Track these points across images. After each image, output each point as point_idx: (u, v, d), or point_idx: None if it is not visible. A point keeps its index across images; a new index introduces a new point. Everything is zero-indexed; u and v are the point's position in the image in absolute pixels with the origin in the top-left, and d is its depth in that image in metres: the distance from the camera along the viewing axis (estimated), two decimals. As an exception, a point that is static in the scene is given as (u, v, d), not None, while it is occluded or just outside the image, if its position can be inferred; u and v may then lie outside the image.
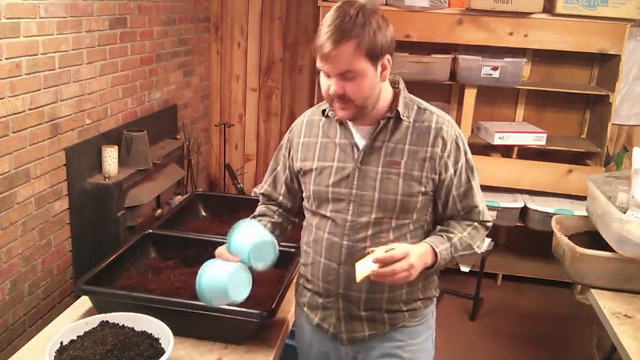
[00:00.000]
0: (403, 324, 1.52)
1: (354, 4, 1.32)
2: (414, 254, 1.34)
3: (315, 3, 3.77)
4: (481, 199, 1.52)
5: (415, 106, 1.47)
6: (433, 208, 1.50)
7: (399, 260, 1.31)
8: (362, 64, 1.32)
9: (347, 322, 1.51)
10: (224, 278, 1.39)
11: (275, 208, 1.66)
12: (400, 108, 1.43)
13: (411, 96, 1.50)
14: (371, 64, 1.33)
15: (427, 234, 1.50)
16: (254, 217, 1.64)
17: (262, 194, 1.68)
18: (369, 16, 1.31)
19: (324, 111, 1.52)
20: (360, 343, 1.53)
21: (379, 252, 1.32)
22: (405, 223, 1.45)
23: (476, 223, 1.51)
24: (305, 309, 1.62)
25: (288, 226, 1.69)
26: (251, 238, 1.43)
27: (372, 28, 1.30)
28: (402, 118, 1.43)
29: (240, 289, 1.43)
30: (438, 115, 1.46)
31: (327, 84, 1.36)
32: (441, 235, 1.46)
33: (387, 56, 1.36)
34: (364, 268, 1.32)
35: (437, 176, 1.43)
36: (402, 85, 1.48)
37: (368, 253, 1.35)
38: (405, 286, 1.48)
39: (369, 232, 1.44)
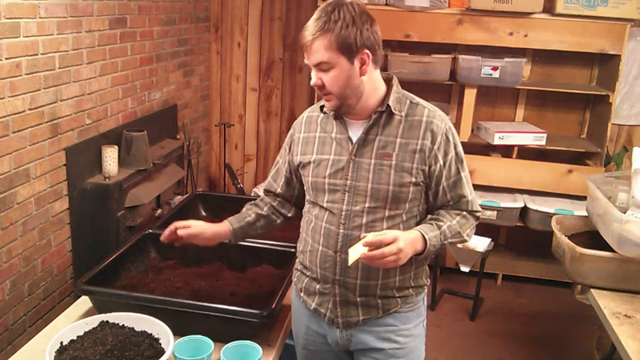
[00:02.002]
0: (396, 309, 1.58)
1: (333, 3, 1.42)
2: (404, 239, 1.40)
3: (315, 3, 3.77)
4: (470, 190, 1.58)
5: (408, 101, 1.54)
6: (425, 200, 1.57)
7: (388, 244, 1.37)
8: (335, 57, 1.41)
9: (343, 308, 1.57)
10: None
11: (269, 200, 1.76)
12: (391, 102, 1.50)
13: (404, 91, 1.56)
14: (345, 58, 1.41)
15: (418, 224, 1.56)
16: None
17: (264, 189, 1.78)
18: (345, 13, 1.40)
19: (321, 107, 1.59)
20: (354, 327, 1.59)
21: (370, 236, 1.39)
22: (398, 213, 1.51)
23: (465, 213, 1.58)
24: (302, 294, 1.67)
25: (277, 219, 1.76)
26: None
27: (345, 23, 1.40)
28: (394, 112, 1.50)
29: None
30: (429, 110, 1.53)
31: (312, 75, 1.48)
32: (431, 224, 1.52)
33: (366, 51, 1.43)
34: (356, 252, 1.39)
35: (427, 167, 1.50)
36: (395, 82, 1.55)
37: (361, 239, 1.42)
38: (397, 274, 1.55)
39: (364, 221, 1.50)
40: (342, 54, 1.41)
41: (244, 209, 1.76)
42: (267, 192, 1.77)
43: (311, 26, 1.42)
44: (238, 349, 1.56)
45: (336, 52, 1.40)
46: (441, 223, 1.52)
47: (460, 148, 1.55)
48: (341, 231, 1.52)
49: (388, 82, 1.55)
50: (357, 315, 1.57)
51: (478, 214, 1.60)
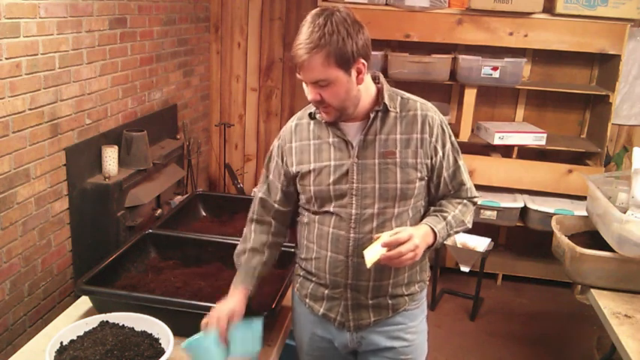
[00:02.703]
0: (404, 308, 1.60)
1: (323, 14, 1.38)
2: (418, 235, 1.42)
3: (315, 3, 3.77)
4: (468, 178, 1.61)
5: (398, 97, 1.54)
6: (427, 193, 1.59)
7: (404, 242, 1.37)
8: (333, 73, 1.37)
9: (354, 311, 1.57)
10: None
11: (264, 237, 1.65)
12: (386, 100, 1.50)
13: (392, 88, 1.56)
14: (343, 71, 1.38)
15: (422, 218, 1.57)
16: (244, 251, 1.64)
17: (261, 198, 1.66)
18: (337, 24, 1.35)
19: (310, 114, 1.56)
20: (365, 329, 1.59)
21: (385, 237, 1.39)
22: (405, 210, 1.52)
23: (465, 201, 1.60)
24: (307, 300, 1.64)
25: (277, 251, 1.69)
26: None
27: (340, 36, 1.35)
28: (390, 109, 1.50)
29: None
30: (421, 103, 1.55)
31: (308, 90, 1.44)
32: (436, 215, 1.54)
33: (361, 60, 1.40)
34: (373, 254, 1.39)
35: (429, 160, 1.52)
36: (382, 79, 1.55)
37: (374, 240, 1.42)
38: (406, 270, 1.57)
39: (374, 224, 1.50)
40: (340, 68, 1.37)
41: (245, 261, 1.61)
42: (263, 207, 1.65)
43: (305, 42, 1.35)
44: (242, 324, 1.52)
45: (334, 68, 1.36)
46: (445, 214, 1.54)
47: (454, 138, 1.58)
48: (352, 235, 1.50)
49: (375, 79, 1.54)
50: (369, 317, 1.57)
51: (476, 199, 1.63)
